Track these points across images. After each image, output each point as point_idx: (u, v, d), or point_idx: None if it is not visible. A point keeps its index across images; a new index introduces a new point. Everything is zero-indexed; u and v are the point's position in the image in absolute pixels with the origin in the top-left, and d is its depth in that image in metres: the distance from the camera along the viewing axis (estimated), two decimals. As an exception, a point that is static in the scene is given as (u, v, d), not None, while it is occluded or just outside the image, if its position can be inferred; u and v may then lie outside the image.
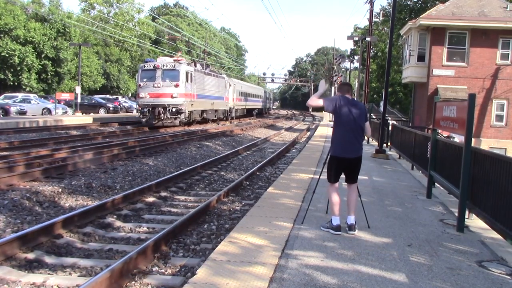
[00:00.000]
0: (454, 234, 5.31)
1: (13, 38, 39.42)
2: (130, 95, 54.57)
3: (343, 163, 5.16)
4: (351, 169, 5.23)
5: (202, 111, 28.72)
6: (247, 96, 46.07)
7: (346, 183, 5.39)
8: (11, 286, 4.26)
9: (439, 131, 7.90)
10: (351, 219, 5.16)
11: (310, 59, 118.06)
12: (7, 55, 38.58)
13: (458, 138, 9.72)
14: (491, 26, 22.41)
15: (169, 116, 23.56)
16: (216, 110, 32.36)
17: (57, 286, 4.29)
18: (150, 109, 23.58)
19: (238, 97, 41.02)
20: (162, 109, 23.36)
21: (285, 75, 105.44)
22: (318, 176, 6.30)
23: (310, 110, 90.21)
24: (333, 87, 55.78)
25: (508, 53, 22.80)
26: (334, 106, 5.07)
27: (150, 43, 60.12)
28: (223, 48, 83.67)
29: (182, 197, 8.47)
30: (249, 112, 48.85)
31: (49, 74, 43.57)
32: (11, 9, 40.24)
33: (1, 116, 26.08)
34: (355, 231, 5.11)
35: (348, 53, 63.32)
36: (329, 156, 5.23)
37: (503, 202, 4.69)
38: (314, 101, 5.23)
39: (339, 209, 5.16)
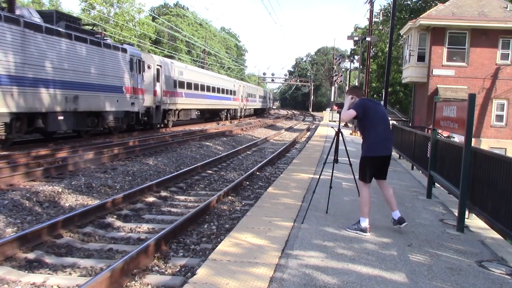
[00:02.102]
0: (454, 234, 5.31)
1: (13, 38, 39.27)
2: None
3: (379, 162, 5.25)
4: (384, 167, 5.35)
5: (33, 116, 13.77)
6: (198, 89, 29.25)
7: (377, 180, 5.46)
8: (11, 286, 4.26)
9: (439, 131, 7.90)
10: (398, 213, 5.28)
11: (310, 59, 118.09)
12: (7, 55, 38.41)
13: (458, 138, 9.72)
14: (491, 26, 22.41)
15: None
16: (98, 114, 17.10)
17: (57, 286, 4.29)
18: None
19: (170, 89, 24.29)
20: None
21: (285, 75, 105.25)
22: (318, 176, 6.31)
23: (311, 110, 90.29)
24: (333, 87, 55.84)
25: (508, 53, 22.81)
26: (364, 109, 5.15)
27: (150, 43, 60.13)
28: (223, 48, 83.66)
29: (182, 197, 8.47)
30: (215, 115, 35.79)
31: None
32: (11, 9, 40.20)
33: None
34: (406, 222, 5.23)
35: (348, 53, 63.33)
36: (364, 157, 5.24)
37: (503, 202, 4.69)
38: (347, 115, 5.26)
39: (369, 210, 5.22)
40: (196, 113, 34.21)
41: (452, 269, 4.12)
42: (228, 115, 38.70)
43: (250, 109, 49.26)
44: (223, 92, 36.14)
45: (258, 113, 56.32)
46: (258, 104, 55.08)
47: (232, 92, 39.59)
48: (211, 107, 33.36)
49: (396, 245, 4.77)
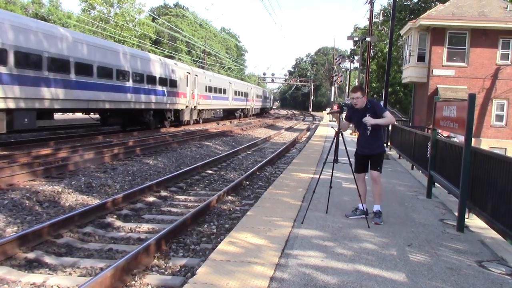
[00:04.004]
0: (454, 234, 5.31)
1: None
2: None
3: None
4: None
5: None
6: (69, 71, 15.89)
7: (364, 174, 5.92)
8: (11, 286, 4.26)
9: (439, 131, 7.90)
10: (365, 206, 5.78)
11: (310, 59, 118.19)
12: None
13: (458, 138, 9.72)
14: (491, 26, 22.42)
15: None
16: None
17: (57, 286, 4.29)
18: None
19: None
20: None
21: (285, 75, 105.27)
22: (318, 176, 6.30)
23: (310, 110, 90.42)
24: (333, 87, 55.89)
25: (508, 53, 22.81)
26: None
27: (150, 43, 60.17)
28: (223, 49, 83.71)
29: (182, 197, 8.46)
30: (133, 118, 22.06)
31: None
32: (11, 9, 40.30)
33: None
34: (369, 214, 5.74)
35: (348, 53, 63.36)
36: (384, 151, 5.88)
37: (503, 202, 4.69)
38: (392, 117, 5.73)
39: None
40: (93, 115, 22.08)
41: (452, 269, 4.12)
42: (166, 119, 24.60)
43: (215, 109, 34.93)
44: (140, 81, 21.17)
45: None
46: (230, 103, 38.43)
47: (170, 83, 24.45)
48: (117, 105, 19.18)
49: (396, 245, 4.76)
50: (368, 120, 5.44)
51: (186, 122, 27.38)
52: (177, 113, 26.07)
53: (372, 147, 5.63)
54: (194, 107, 28.40)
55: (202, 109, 30.58)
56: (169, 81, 24.36)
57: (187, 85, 26.90)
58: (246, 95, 45.49)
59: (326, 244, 4.68)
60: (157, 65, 23.24)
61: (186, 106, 26.89)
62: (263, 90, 62.34)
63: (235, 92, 40.27)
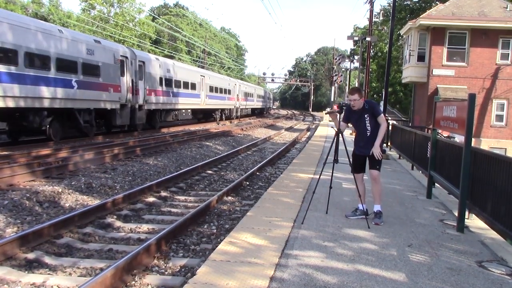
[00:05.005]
0: (454, 234, 5.31)
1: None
2: None
3: None
4: None
5: None
6: None
7: (362, 174, 5.91)
8: (11, 286, 4.26)
9: (439, 131, 7.90)
10: (365, 206, 5.81)
11: (310, 59, 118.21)
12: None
13: (459, 138, 9.72)
14: (491, 26, 22.42)
15: None
16: None
17: (57, 286, 4.29)
18: None
19: None
20: None
21: (285, 75, 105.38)
22: (318, 176, 6.30)
23: (310, 110, 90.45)
24: (333, 87, 55.90)
25: (508, 53, 22.82)
26: None
27: (150, 43, 60.16)
28: (223, 48, 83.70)
29: (182, 197, 8.46)
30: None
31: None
32: (11, 9, 40.30)
33: None
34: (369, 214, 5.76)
35: (348, 53, 63.33)
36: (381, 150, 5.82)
37: (503, 202, 4.69)
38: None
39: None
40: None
41: (452, 269, 4.12)
42: (80, 124, 16.77)
43: (178, 110, 26.54)
44: (13, 63, 13.09)
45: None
46: (202, 102, 30.24)
47: (85, 69, 16.62)
48: None
49: (396, 245, 4.76)
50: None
51: (127, 128, 20.80)
52: (108, 115, 18.58)
53: (371, 147, 5.59)
54: (140, 106, 20.80)
55: (155, 109, 22.83)
56: (83, 65, 16.37)
57: (122, 75, 19.18)
58: (228, 92, 37.18)
59: (326, 244, 4.68)
60: (53, 40, 14.82)
61: (123, 105, 19.29)
62: (260, 89, 61.13)
63: (211, 88, 31.78)
